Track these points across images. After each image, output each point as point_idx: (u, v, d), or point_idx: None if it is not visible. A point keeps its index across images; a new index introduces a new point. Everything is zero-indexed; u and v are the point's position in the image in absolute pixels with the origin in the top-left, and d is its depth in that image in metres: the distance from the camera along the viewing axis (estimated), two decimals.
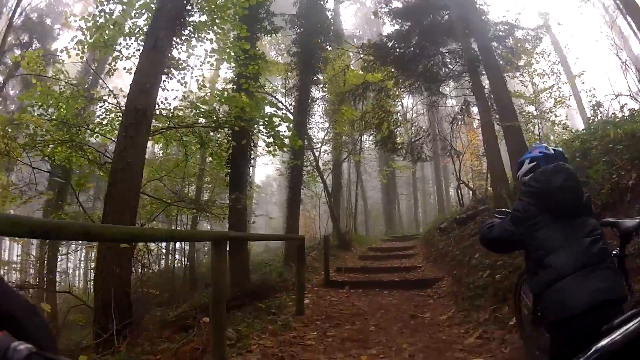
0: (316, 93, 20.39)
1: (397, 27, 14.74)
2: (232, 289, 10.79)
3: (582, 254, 2.54)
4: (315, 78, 17.72)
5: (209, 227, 30.72)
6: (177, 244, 20.91)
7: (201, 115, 11.35)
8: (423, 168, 38.23)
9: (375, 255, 17.35)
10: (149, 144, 10.60)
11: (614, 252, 2.81)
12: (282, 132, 10.89)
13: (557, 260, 2.56)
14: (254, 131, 12.39)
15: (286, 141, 11.11)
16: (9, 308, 1.09)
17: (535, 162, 3.05)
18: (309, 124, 19.09)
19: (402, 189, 35.29)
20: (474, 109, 15.37)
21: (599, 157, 7.42)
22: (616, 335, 0.96)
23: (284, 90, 19.29)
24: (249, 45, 11.39)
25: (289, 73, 19.12)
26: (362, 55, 15.73)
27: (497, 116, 11.78)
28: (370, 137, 22.06)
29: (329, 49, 18.09)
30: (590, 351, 0.95)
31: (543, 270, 2.63)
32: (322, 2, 17.82)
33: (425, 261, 14.29)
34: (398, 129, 15.73)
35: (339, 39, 20.49)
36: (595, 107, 10.96)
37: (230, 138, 12.51)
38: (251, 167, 36.40)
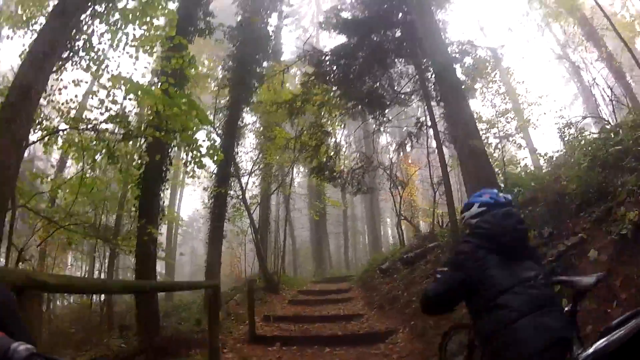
0: (247, 118, 18.34)
1: (343, 40, 12.91)
2: (138, 340, 8.92)
3: (536, 296, 2.53)
4: (248, 97, 15.71)
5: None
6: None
7: (110, 119, 8.85)
8: (353, 206, 36.52)
9: (308, 299, 15.05)
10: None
11: (566, 309, 2.76)
12: (200, 146, 8.48)
13: (513, 300, 2.51)
14: (172, 145, 10.00)
15: (205, 159, 8.70)
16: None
17: (484, 207, 2.99)
18: (237, 151, 16.75)
19: (331, 227, 33.19)
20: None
21: None
22: (614, 335, 1.02)
23: (213, 110, 16.93)
24: (175, 31, 9.09)
25: (220, 90, 17.01)
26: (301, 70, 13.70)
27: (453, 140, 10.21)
28: (302, 169, 20.10)
29: (266, 64, 16.24)
30: (590, 351, 1.04)
31: (498, 310, 2.53)
32: (264, 15, 16.03)
33: (367, 307, 12.15)
34: (338, 155, 13.69)
35: (277, 56, 18.64)
36: (564, 129, 9.69)
37: (145, 152, 10.27)
38: (176, 199, 34.09)
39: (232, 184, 16.34)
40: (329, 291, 17.00)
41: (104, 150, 9.24)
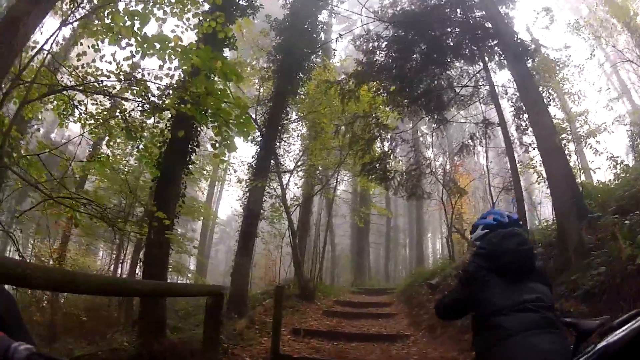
0: (292, 114, 16.83)
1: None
2: (139, 347, 7.44)
3: (532, 319, 2.43)
4: (294, 89, 14.40)
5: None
6: None
7: (130, 86, 7.53)
8: (396, 217, 34.52)
9: (345, 311, 13.39)
10: None
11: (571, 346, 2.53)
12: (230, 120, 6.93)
13: (506, 321, 2.45)
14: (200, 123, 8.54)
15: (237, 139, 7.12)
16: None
17: (488, 230, 2.96)
18: (279, 145, 15.23)
19: (372, 237, 31.26)
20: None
21: None
22: (616, 335, 0.98)
23: (255, 104, 15.56)
24: None
25: (264, 83, 15.78)
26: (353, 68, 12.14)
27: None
28: (348, 173, 18.46)
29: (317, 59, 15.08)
30: (591, 351, 1.00)
31: (491, 330, 2.50)
32: (314, 10, 14.61)
33: (413, 327, 10.45)
34: (393, 152, 11.92)
35: (327, 53, 17.16)
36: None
37: (169, 128, 9.10)
38: (214, 196, 32.89)
39: (271, 181, 14.91)
40: (368, 304, 15.43)
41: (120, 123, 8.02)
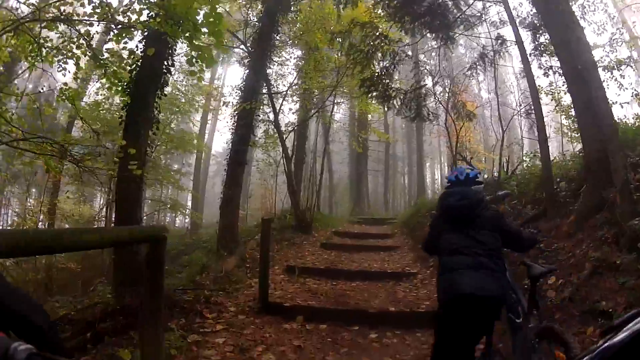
0: (284, 36, 14.96)
1: None
2: (117, 296, 6.28)
3: (461, 259, 3.02)
4: (286, 6, 12.52)
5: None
6: None
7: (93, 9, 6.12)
8: (395, 144, 33.00)
9: (344, 243, 12.31)
10: None
11: (525, 285, 3.79)
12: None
13: (445, 261, 3.13)
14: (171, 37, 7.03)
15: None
16: (18, 308, 1.27)
17: (449, 183, 3.49)
18: (270, 66, 13.55)
19: (370, 165, 29.85)
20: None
21: None
22: (617, 335, 0.93)
23: (243, 25, 13.76)
24: None
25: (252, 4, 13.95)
26: None
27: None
28: (345, 98, 16.81)
29: None
30: (594, 351, 0.93)
31: (440, 267, 3.19)
32: None
33: (420, 263, 9.29)
34: (396, 66, 10.25)
35: None
36: None
37: (143, 49, 7.54)
38: (206, 127, 31.01)
39: (263, 106, 13.38)
40: (368, 235, 14.40)
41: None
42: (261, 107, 13.51)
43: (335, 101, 16.87)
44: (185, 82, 18.86)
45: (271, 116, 14.07)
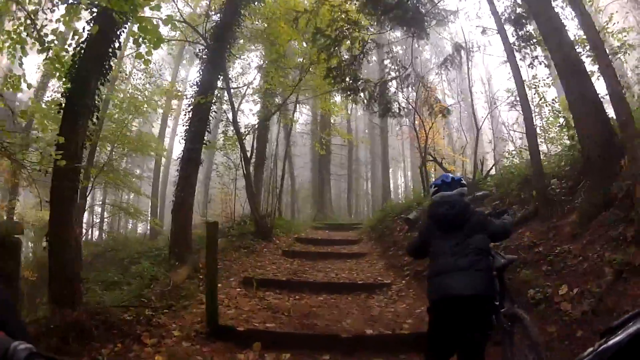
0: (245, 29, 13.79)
1: None
2: (49, 319, 4.92)
3: (449, 261, 3.23)
4: None
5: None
6: None
7: None
8: (357, 148, 32.09)
9: (308, 251, 11.29)
10: None
11: (494, 272, 3.51)
12: None
13: (434, 264, 3.39)
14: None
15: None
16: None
17: (436, 188, 3.66)
18: (229, 58, 12.36)
19: (333, 169, 28.82)
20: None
21: None
22: (616, 336, 0.89)
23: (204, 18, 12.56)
24: None
25: None
26: None
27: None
28: (310, 90, 15.70)
29: None
30: (592, 353, 0.90)
31: (430, 271, 3.43)
32: None
33: (393, 272, 8.32)
34: (365, 56, 9.24)
35: None
36: None
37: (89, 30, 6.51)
38: (167, 131, 29.22)
39: (220, 102, 12.21)
40: (333, 241, 13.35)
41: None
42: (219, 104, 12.37)
43: (298, 101, 15.73)
44: (144, 80, 17.52)
45: (230, 115, 12.91)
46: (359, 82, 9.07)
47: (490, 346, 3.43)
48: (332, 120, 22.79)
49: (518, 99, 7.93)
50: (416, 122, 13.80)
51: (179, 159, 10.41)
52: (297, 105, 16.88)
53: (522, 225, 6.46)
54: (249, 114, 17.23)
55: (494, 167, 11.80)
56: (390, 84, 9.48)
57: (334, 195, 30.24)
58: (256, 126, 14.81)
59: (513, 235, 5.37)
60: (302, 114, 28.36)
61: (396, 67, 9.65)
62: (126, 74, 16.78)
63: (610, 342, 0.91)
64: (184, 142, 10.31)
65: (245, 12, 11.98)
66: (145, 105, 16.26)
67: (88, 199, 18.94)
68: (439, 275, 3.23)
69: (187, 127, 10.27)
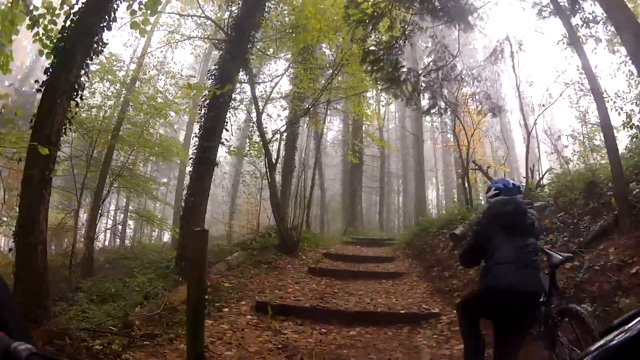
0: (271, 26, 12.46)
1: None
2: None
3: (517, 257, 3.27)
4: None
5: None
6: None
7: None
8: (389, 160, 30.41)
9: (337, 268, 9.85)
10: None
11: (546, 272, 3.63)
12: None
13: (501, 257, 3.31)
14: None
15: None
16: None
17: (497, 191, 3.63)
18: (252, 49, 11.01)
19: (365, 181, 27.08)
20: None
21: None
22: (617, 335, 0.84)
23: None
24: None
25: None
26: None
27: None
28: (342, 92, 14.26)
29: None
30: (593, 352, 0.85)
31: (492, 264, 3.36)
32: None
33: (440, 298, 6.82)
34: (409, 39, 7.73)
35: None
36: None
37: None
38: (183, 130, 28.05)
39: (241, 95, 10.92)
40: (365, 258, 11.86)
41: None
42: (242, 105, 11.07)
43: (329, 103, 14.25)
44: (165, 82, 16.53)
45: (254, 116, 11.61)
46: (401, 71, 7.57)
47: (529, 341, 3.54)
48: (363, 128, 21.30)
49: (587, 87, 6.41)
50: (456, 126, 12.24)
51: (191, 159, 9.07)
52: (328, 109, 15.45)
53: (601, 240, 5.18)
54: (277, 119, 15.95)
55: (544, 176, 10.21)
56: (434, 74, 7.92)
57: (365, 209, 28.56)
58: (284, 130, 13.40)
59: (593, 254, 4.96)
60: (334, 123, 27.13)
61: (442, 55, 8.11)
62: (146, 77, 15.79)
63: (612, 341, 0.84)
64: (197, 139, 9.00)
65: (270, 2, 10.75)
66: (167, 108, 15.22)
67: (108, 203, 18.27)
68: (502, 265, 3.29)
69: (201, 123, 8.96)
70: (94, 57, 5.88)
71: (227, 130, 9.22)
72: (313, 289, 7.70)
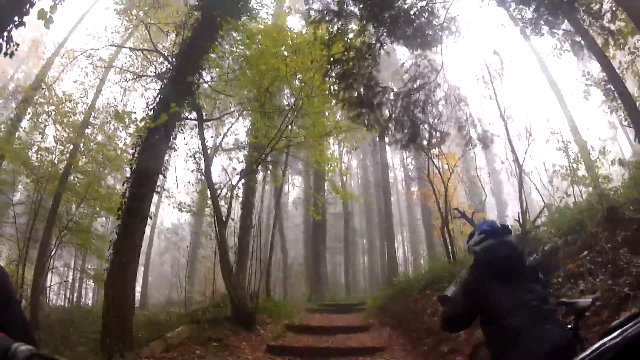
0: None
1: None
2: None
3: (533, 314, 2.58)
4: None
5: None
6: None
7: None
8: (352, 217, 28.68)
9: (301, 345, 8.12)
10: None
11: (569, 326, 2.89)
12: None
13: (515, 320, 2.58)
14: None
15: None
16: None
17: (484, 234, 3.01)
18: (198, 80, 9.30)
19: (328, 242, 25.21)
20: None
21: None
22: (615, 336, 0.90)
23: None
24: None
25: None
26: None
27: None
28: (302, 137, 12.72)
29: None
30: (592, 353, 0.90)
31: (504, 331, 2.61)
32: None
33: None
34: (382, 46, 6.24)
35: None
36: None
37: None
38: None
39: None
40: (335, 328, 9.93)
41: None
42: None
43: (289, 149, 12.58)
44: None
45: (202, 164, 9.92)
46: (375, 90, 6.02)
47: None
48: (326, 178, 19.55)
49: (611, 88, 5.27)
50: (431, 169, 10.84)
51: (119, 211, 7.11)
52: (288, 159, 13.85)
53: None
54: (232, 173, 14.33)
55: (540, 215, 9.01)
56: (415, 95, 6.41)
57: (330, 271, 26.55)
58: (236, 182, 11.57)
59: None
60: (295, 182, 25.71)
61: (423, 71, 6.61)
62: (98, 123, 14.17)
63: (610, 342, 0.87)
64: (128, 184, 7.12)
65: (228, 30, 9.31)
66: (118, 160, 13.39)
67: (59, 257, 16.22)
68: (526, 330, 2.50)
69: (132, 165, 7.11)
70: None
71: (164, 176, 7.41)
72: None
